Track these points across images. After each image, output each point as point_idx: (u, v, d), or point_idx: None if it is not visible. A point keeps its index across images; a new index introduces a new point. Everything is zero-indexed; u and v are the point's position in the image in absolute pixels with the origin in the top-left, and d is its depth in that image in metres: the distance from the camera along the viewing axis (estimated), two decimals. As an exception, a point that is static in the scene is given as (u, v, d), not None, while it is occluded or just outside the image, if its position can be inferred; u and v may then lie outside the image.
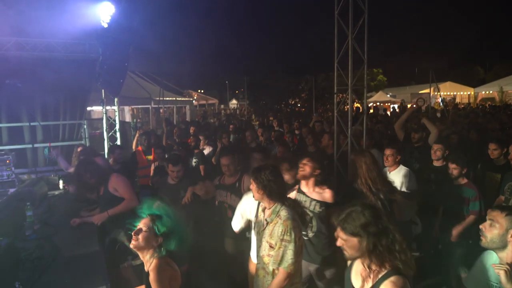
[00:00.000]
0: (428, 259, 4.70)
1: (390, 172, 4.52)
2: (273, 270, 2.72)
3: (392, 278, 1.79)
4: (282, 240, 2.63)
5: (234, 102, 38.50)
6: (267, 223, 2.79)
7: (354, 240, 1.86)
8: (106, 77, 6.65)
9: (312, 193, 3.55)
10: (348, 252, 1.91)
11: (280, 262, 2.65)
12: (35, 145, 6.39)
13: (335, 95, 5.95)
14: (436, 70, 18.43)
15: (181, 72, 14.19)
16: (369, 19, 5.34)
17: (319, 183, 3.56)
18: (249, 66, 12.22)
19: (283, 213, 2.73)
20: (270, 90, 19.51)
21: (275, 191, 2.80)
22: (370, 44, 5.56)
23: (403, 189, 4.32)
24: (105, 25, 6.09)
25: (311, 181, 3.56)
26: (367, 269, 1.89)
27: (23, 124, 6.51)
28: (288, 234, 2.62)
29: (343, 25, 5.58)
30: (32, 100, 6.32)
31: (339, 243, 1.93)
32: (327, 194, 3.50)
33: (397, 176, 4.39)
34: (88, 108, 10.90)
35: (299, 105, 20.69)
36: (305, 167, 3.52)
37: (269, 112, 20.24)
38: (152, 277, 2.26)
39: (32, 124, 6.33)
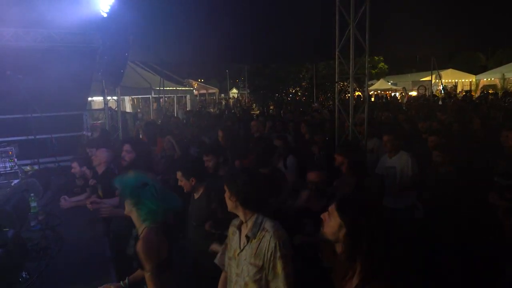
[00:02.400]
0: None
1: (390, 158, 4.56)
2: None
3: None
4: (280, 256, 2.11)
5: (234, 91, 38.40)
6: (248, 240, 2.24)
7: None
8: (107, 67, 6.63)
9: None
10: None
11: (285, 281, 2.12)
12: (38, 136, 6.39)
13: (336, 84, 5.92)
14: (437, 57, 18.28)
15: (182, 61, 14.08)
16: (371, 6, 5.29)
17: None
18: (249, 54, 12.11)
19: (269, 224, 2.21)
20: (271, 79, 19.40)
21: (253, 198, 2.26)
22: (371, 31, 5.52)
23: (404, 174, 4.36)
24: (105, 15, 6.03)
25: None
26: None
27: (25, 116, 6.50)
28: (283, 248, 2.14)
29: (344, 13, 5.53)
30: (33, 91, 6.30)
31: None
32: None
33: (397, 162, 4.44)
34: (88, 99, 10.90)
35: (299, 93, 20.60)
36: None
37: (269, 101, 20.18)
38: (139, 246, 2.41)
39: (34, 115, 6.33)
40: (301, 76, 19.99)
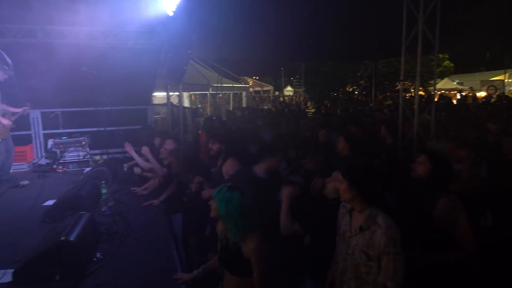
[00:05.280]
0: None
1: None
2: (379, 283, 2.30)
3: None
4: (388, 253, 2.23)
5: (289, 89, 38.26)
6: (361, 229, 2.38)
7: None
8: (171, 64, 6.90)
9: None
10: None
11: (392, 278, 2.22)
12: (107, 128, 6.85)
13: (401, 83, 5.68)
14: (512, 54, 16.84)
15: (240, 58, 14.30)
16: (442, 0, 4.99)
17: None
18: (306, 52, 11.97)
19: (381, 219, 2.31)
20: (327, 77, 19.07)
21: (372, 192, 2.40)
22: (440, 27, 5.22)
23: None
24: (171, 14, 6.29)
25: None
26: None
27: (96, 109, 6.99)
28: (392, 246, 2.24)
29: (412, 8, 5.27)
30: (104, 86, 6.75)
31: None
32: None
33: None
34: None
35: (356, 92, 20.04)
36: None
37: (325, 99, 19.85)
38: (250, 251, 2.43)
39: (104, 108, 6.78)
40: (358, 74, 19.44)
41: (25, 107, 6.29)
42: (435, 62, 5.32)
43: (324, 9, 6.69)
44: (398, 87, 18.22)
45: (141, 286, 2.77)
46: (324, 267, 2.87)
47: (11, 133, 6.19)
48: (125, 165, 6.46)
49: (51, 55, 6.36)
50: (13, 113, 6.13)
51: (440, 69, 30.63)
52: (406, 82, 11.64)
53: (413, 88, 15.30)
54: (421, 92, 9.32)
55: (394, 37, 5.89)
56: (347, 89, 20.17)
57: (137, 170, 5.71)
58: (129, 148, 5.54)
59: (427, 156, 3.02)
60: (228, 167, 3.95)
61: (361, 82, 19.43)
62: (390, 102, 17.40)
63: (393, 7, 5.78)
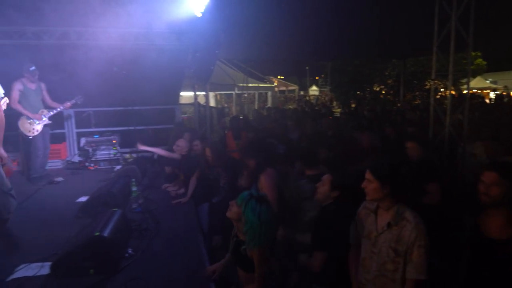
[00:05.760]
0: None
1: None
2: (405, 279, 2.34)
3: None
4: (419, 246, 2.28)
5: (314, 88, 37.92)
6: (389, 226, 2.40)
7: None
8: (198, 65, 6.99)
9: None
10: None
11: (425, 271, 2.28)
12: (137, 127, 7.01)
13: (431, 82, 5.52)
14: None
15: (266, 58, 14.32)
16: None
17: None
18: (332, 50, 11.82)
19: (410, 215, 2.36)
20: (353, 76, 18.79)
21: (403, 190, 2.42)
22: (474, 24, 5.04)
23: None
24: (199, 15, 6.36)
25: None
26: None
27: (126, 108, 7.17)
28: (423, 239, 2.29)
29: (445, 5, 5.12)
30: (134, 86, 6.92)
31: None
32: None
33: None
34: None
35: (383, 92, 19.65)
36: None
37: (351, 99, 19.57)
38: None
39: (134, 108, 6.95)
40: (386, 73, 19.06)
41: (67, 103, 6.42)
42: (468, 60, 5.12)
43: (352, 6, 6.59)
44: (427, 86, 17.76)
45: (170, 282, 2.83)
46: (332, 273, 2.85)
47: (51, 131, 6.41)
48: (153, 163, 6.61)
49: (84, 56, 6.58)
50: (53, 110, 6.30)
51: (472, 67, 29.60)
52: (436, 81, 11.31)
53: (443, 88, 14.85)
54: (452, 92, 9.03)
55: (425, 34, 5.74)
56: (374, 88, 19.81)
57: (168, 168, 5.83)
58: (142, 147, 5.66)
59: (500, 173, 2.26)
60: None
61: (389, 81, 19.03)
62: (419, 101, 16.96)
63: (423, 4, 5.63)
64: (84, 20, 6.56)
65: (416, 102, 17.05)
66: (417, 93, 18.25)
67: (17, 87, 5.82)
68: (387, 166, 2.46)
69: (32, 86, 6.05)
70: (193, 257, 3.20)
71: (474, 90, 25.44)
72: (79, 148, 7.38)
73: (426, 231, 2.31)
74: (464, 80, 13.06)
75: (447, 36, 5.15)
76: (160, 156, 6.00)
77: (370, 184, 2.43)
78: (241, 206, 2.59)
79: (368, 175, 2.46)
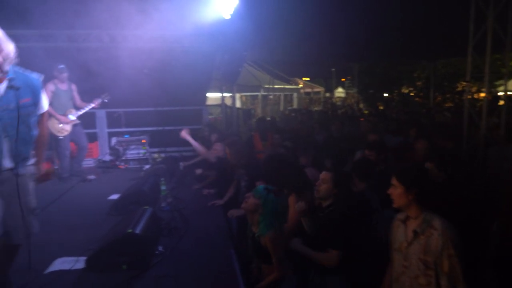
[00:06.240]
0: None
1: None
2: None
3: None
4: (449, 255, 2.12)
5: (340, 90, 37.48)
6: (416, 235, 2.28)
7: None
8: (226, 66, 7.05)
9: None
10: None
11: (457, 283, 2.13)
12: (165, 128, 7.16)
13: (465, 84, 5.35)
14: None
15: (293, 60, 14.28)
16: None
17: None
18: (362, 52, 11.64)
19: (438, 222, 2.21)
20: (381, 78, 18.44)
21: (429, 197, 2.31)
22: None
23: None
24: (228, 17, 6.42)
25: None
26: None
27: (156, 109, 7.34)
28: (451, 247, 2.13)
29: (481, 4, 4.95)
30: (163, 87, 7.07)
31: None
32: None
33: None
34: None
35: (411, 94, 19.18)
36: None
37: (378, 101, 19.20)
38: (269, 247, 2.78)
39: (163, 108, 7.10)
40: (415, 75, 18.59)
41: (94, 101, 6.53)
42: (506, 61, 4.93)
43: (381, 6, 6.47)
44: (459, 89, 17.18)
45: (199, 281, 2.87)
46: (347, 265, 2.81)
47: (85, 130, 6.60)
48: (181, 163, 6.71)
49: (116, 58, 6.77)
50: (80, 109, 6.44)
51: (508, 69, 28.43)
52: (470, 83, 10.93)
53: (475, 90, 14.33)
54: (482, 94, 8.70)
55: (458, 35, 5.56)
56: (403, 90, 19.36)
57: (198, 171, 5.89)
58: (185, 133, 5.58)
59: None
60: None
61: (418, 83, 18.55)
62: (451, 104, 16.44)
63: (457, 3, 5.46)
64: (116, 23, 6.75)
65: (447, 105, 16.56)
66: (448, 95, 17.70)
67: (49, 88, 5.96)
68: (413, 170, 2.40)
69: (63, 86, 6.20)
70: (221, 257, 3.23)
71: (510, 93, 24.43)
72: (110, 147, 7.60)
73: (457, 238, 2.15)
74: (498, 82, 12.55)
75: (483, 37, 4.98)
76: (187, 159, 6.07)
77: (395, 190, 2.36)
78: (259, 198, 2.84)
79: (393, 181, 2.39)
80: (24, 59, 2.57)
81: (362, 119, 6.92)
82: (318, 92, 33.83)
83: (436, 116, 8.42)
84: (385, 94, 20.21)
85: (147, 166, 6.83)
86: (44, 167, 2.93)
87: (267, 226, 2.79)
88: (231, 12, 6.35)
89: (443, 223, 2.19)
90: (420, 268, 2.23)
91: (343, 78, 37.19)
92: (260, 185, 2.96)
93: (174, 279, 2.82)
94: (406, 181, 2.30)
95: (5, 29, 2.43)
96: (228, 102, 9.97)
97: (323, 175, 3.03)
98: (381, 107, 17.58)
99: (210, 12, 6.64)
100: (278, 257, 2.75)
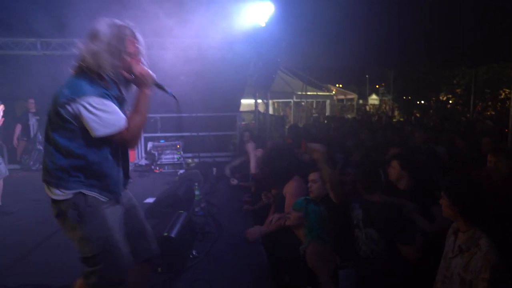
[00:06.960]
0: None
1: None
2: None
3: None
4: (483, 279, 2.02)
5: (374, 97, 36.74)
6: (461, 251, 2.20)
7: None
8: (260, 73, 7.10)
9: None
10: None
11: None
12: (199, 134, 7.29)
13: (507, 91, 5.08)
14: None
15: (327, 66, 14.19)
16: None
17: None
18: (399, 57, 11.36)
19: (484, 242, 2.09)
20: (418, 84, 17.91)
21: (475, 211, 2.18)
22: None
23: None
24: (263, 25, 6.48)
25: None
26: None
27: (191, 115, 7.49)
28: (488, 272, 2.00)
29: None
30: (198, 93, 7.21)
31: None
32: None
33: None
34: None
35: (450, 102, 18.50)
36: None
37: (414, 108, 18.66)
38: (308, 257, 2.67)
39: (198, 114, 7.23)
40: (454, 82, 17.93)
41: None
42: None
43: (418, 10, 6.29)
44: (502, 96, 16.40)
45: (232, 285, 2.89)
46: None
47: None
48: (214, 169, 6.80)
49: (153, 65, 6.97)
50: None
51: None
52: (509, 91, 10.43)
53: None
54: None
55: (501, 40, 5.32)
56: (441, 97, 18.72)
57: (233, 181, 5.90)
58: (251, 147, 5.33)
59: None
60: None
61: (457, 90, 17.87)
62: (493, 112, 15.72)
63: (500, 8, 5.23)
64: (153, 31, 6.97)
65: (490, 113, 15.85)
66: (489, 103, 16.94)
67: None
68: (460, 183, 2.28)
69: None
70: (254, 263, 3.23)
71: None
72: (146, 152, 7.81)
73: (500, 264, 2.01)
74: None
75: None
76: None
77: (443, 200, 2.29)
78: (301, 211, 2.78)
79: (442, 192, 2.32)
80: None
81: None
82: (351, 99, 33.33)
83: (477, 124, 8.05)
84: (422, 101, 19.65)
85: (181, 171, 6.97)
86: None
87: (313, 237, 2.67)
88: (266, 20, 6.41)
89: (489, 246, 2.07)
90: (458, 283, 2.16)
91: (377, 84, 36.49)
92: (300, 198, 2.90)
93: (208, 283, 2.85)
94: (451, 194, 2.22)
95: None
96: (261, 108, 10.03)
97: (312, 176, 3.17)
98: (418, 115, 17.08)
99: (246, 19, 6.73)
100: (324, 278, 2.51)
